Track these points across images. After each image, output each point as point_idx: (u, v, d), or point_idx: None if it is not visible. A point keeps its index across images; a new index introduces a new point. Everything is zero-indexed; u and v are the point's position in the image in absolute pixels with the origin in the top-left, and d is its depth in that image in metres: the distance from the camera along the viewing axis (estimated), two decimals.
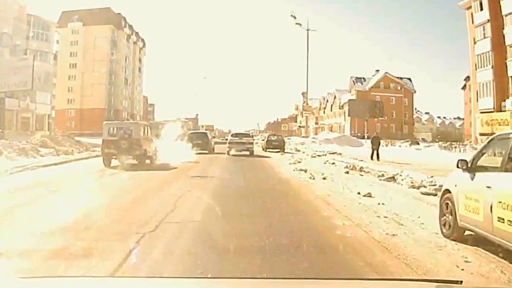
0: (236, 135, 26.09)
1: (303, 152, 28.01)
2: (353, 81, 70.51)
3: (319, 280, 2.64)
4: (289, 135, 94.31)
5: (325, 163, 18.95)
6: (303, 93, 39.41)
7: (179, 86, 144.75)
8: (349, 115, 60.54)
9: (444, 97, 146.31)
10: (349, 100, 62.00)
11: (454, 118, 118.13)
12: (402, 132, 69.95)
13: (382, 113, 58.95)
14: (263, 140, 34.40)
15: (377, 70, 73.20)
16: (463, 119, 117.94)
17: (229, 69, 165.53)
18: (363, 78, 71.70)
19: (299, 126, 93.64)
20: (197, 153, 22.51)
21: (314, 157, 23.22)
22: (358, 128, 69.49)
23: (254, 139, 28.38)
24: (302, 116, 42.57)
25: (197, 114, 73.85)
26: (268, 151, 28.98)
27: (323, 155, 24.79)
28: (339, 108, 74.12)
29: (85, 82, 72.76)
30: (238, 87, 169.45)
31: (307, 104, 40.27)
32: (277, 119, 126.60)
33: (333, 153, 25.59)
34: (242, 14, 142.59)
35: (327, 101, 79.93)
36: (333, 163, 18.48)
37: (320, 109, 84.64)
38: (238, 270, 4.01)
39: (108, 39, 74.84)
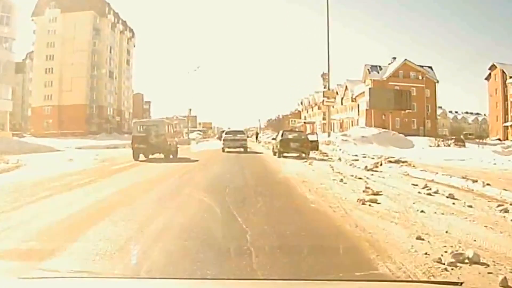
0: (230, 132, 26.27)
1: (339, 159, 17.44)
2: (368, 70, 59.88)
3: (318, 281, 2.43)
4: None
5: (428, 193, 8.41)
6: (323, 75, 28.57)
7: (175, 82, 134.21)
8: (369, 107, 49.69)
9: (454, 90, 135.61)
10: (370, 88, 51.14)
11: (466, 113, 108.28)
12: (424, 127, 59.21)
13: (410, 104, 48.43)
14: (273, 139, 23.62)
15: (394, 58, 62.63)
16: (476, 113, 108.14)
17: (227, 64, 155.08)
18: (379, 66, 61.13)
19: (304, 122, 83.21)
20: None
21: (374, 170, 12.68)
22: (376, 123, 58.97)
23: (248, 136, 29.19)
24: (323, 104, 30.96)
25: (190, 109, 63.13)
26: (284, 157, 18.56)
27: (378, 164, 14.31)
28: (352, 101, 63.51)
29: (63, 75, 62.14)
30: (237, 83, 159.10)
31: (329, 89, 29.38)
32: (279, 115, 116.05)
33: (395, 161, 14.90)
34: (241, 5, 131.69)
35: (337, 93, 69.08)
36: (451, 195, 8.00)
37: None
38: None
39: (89, 27, 64.22)
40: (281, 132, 21.05)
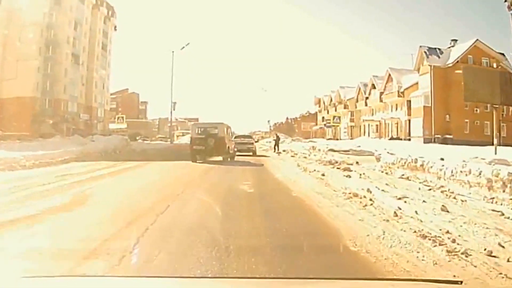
0: (238, 137, 25.94)
1: None
2: (425, 53, 41.07)
3: (319, 280, 2.28)
4: (306, 137, 65.75)
5: None
6: None
7: (176, 83, 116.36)
8: (465, 99, 30.38)
9: None
10: (465, 68, 31.79)
11: None
12: (500, 133, 40.51)
13: None
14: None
15: (454, 40, 43.96)
16: None
17: (230, 66, 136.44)
18: (438, 48, 42.47)
19: (325, 125, 64.24)
20: None
21: None
22: (436, 127, 40.56)
23: (255, 139, 29.75)
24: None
25: (174, 103, 44.74)
26: None
27: None
28: (398, 96, 44.69)
29: (6, 57, 43.24)
30: (241, 85, 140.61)
31: None
32: (287, 118, 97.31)
33: None
34: (245, 4, 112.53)
35: (374, 86, 50.13)
36: None
37: (357, 101, 55.19)
38: None
39: None
40: None
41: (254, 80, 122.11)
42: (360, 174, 11.18)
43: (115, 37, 64.69)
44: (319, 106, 71.56)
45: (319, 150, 24.59)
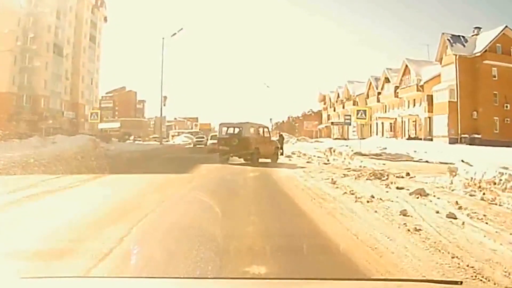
0: None
1: None
2: (448, 41, 35.91)
3: (318, 281, 2.22)
4: (309, 136, 60.77)
5: None
6: None
7: (177, 82, 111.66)
8: None
9: None
10: None
11: None
12: None
13: None
14: None
15: (478, 28, 38.83)
16: None
17: (229, 65, 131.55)
18: (463, 36, 37.36)
19: (332, 123, 59.03)
20: None
21: None
22: (463, 124, 35.48)
23: None
24: None
25: (165, 97, 39.79)
26: None
27: None
28: (417, 90, 39.53)
29: None
30: (241, 82, 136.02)
31: None
32: (289, 117, 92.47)
33: None
34: (245, 4, 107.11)
35: (387, 80, 44.95)
36: None
37: (368, 97, 50.10)
38: None
39: None
40: None
41: (254, 78, 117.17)
42: (464, 210, 6.09)
43: (108, 30, 60.01)
44: (324, 103, 66.48)
45: (340, 153, 19.47)
